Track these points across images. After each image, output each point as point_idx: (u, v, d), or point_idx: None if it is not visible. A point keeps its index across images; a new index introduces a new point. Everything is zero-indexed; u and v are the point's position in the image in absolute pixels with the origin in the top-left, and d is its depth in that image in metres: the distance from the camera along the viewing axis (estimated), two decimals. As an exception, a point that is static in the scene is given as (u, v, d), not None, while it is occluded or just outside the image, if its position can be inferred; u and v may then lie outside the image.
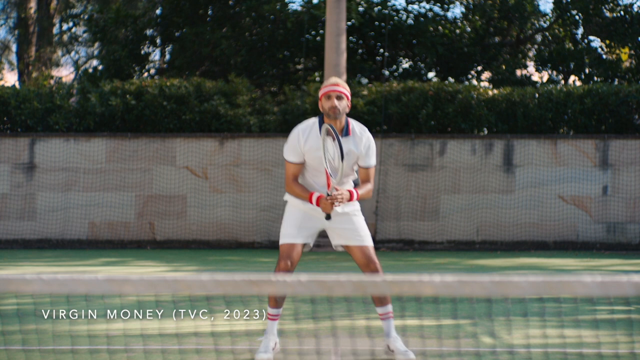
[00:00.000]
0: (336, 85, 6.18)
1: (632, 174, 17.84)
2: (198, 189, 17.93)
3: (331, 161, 6.09)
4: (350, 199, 6.10)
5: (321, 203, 6.07)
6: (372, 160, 6.26)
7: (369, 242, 6.22)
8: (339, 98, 6.15)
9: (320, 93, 6.21)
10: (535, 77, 22.04)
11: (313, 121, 6.25)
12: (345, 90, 6.20)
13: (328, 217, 6.14)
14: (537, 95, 18.27)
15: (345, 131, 6.20)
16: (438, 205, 17.94)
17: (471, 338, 6.73)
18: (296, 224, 6.20)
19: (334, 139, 6.03)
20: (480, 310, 8.21)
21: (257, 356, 5.99)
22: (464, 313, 8.12)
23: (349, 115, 17.66)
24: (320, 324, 7.52)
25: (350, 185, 6.32)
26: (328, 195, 6.07)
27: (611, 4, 21.08)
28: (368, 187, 6.24)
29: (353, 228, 6.20)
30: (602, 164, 17.83)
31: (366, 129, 6.31)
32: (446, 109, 18.20)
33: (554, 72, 21.50)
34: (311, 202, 6.12)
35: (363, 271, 6.21)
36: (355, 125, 6.28)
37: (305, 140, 6.16)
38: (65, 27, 30.03)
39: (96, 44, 25.49)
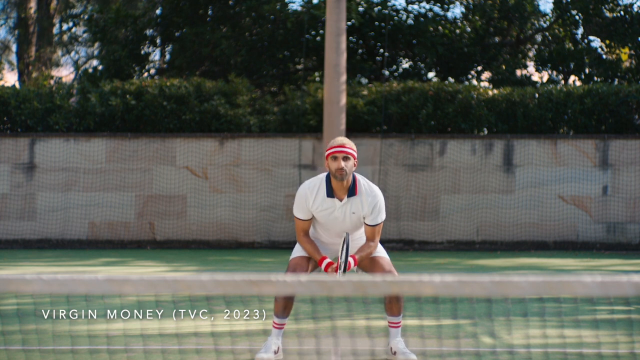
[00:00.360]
0: (342, 146, 6.10)
1: (632, 174, 17.84)
2: (198, 189, 17.93)
3: (342, 262, 6.02)
4: (348, 268, 6.02)
5: (329, 271, 6.06)
6: (378, 219, 6.18)
7: (385, 254, 6.24)
8: (346, 159, 6.07)
9: (326, 153, 6.15)
10: (535, 77, 22.03)
11: (320, 180, 6.20)
12: (352, 150, 6.12)
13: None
14: (537, 95, 18.27)
15: (352, 190, 6.14)
16: (438, 205, 17.94)
17: (471, 338, 6.73)
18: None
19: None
20: (480, 310, 8.21)
21: (257, 356, 5.99)
22: (464, 313, 8.12)
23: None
24: (320, 324, 7.52)
25: (363, 239, 6.29)
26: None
27: (611, 4, 21.07)
28: (369, 249, 6.15)
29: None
30: (602, 164, 17.83)
31: (374, 188, 6.23)
32: (446, 109, 18.20)
33: (554, 72, 21.49)
34: (320, 265, 6.12)
35: None
36: (363, 184, 6.20)
37: (313, 201, 6.15)
38: (65, 27, 30.02)
39: (96, 44, 25.46)
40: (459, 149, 17.96)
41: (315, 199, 6.16)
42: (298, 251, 6.25)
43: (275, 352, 6.07)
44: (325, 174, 6.24)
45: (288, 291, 2.96)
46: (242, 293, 2.95)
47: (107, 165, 17.90)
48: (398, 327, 6.17)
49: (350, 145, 6.14)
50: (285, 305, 6.10)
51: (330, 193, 6.15)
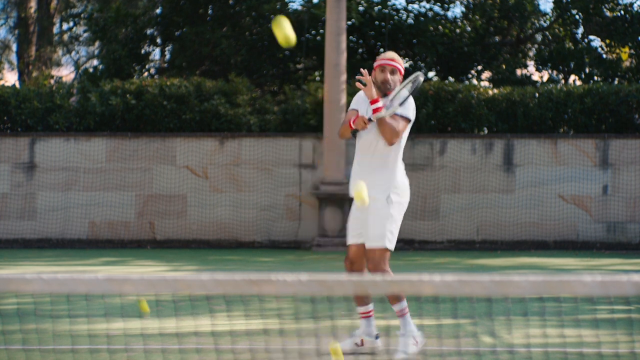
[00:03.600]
0: (392, 60, 6.25)
1: (632, 173, 17.83)
2: (198, 188, 17.93)
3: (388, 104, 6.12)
4: (375, 104, 6.04)
5: (357, 121, 6.09)
6: (404, 112, 6.16)
7: (376, 243, 6.11)
8: (393, 72, 6.23)
9: (375, 64, 6.29)
10: (536, 77, 22.02)
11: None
12: (400, 66, 6.27)
13: (355, 133, 6.15)
14: (537, 94, 18.27)
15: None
16: (438, 204, 17.93)
17: (471, 337, 6.73)
18: (349, 223, 6.35)
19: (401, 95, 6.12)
20: (480, 310, 8.21)
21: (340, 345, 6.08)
22: (464, 312, 8.12)
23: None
24: (320, 323, 7.51)
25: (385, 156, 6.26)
26: (370, 119, 6.08)
27: (611, 4, 21.06)
28: (394, 123, 6.12)
29: (372, 222, 6.12)
30: (602, 164, 17.82)
31: (408, 98, 6.25)
32: (446, 108, 18.19)
33: (554, 72, 21.49)
34: (351, 127, 6.13)
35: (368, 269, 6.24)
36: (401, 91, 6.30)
37: (359, 105, 6.23)
38: (65, 26, 30.02)
39: (96, 44, 25.47)
40: (459, 148, 17.95)
41: (362, 104, 6.24)
42: (347, 235, 6.32)
43: (358, 345, 6.19)
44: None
45: (288, 291, 2.96)
46: (242, 293, 2.95)
47: (107, 164, 17.90)
48: (403, 315, 6.14)
49: (399, 61, 6.27)
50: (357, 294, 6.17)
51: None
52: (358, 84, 6.15)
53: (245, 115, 18.36)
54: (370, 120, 6.08)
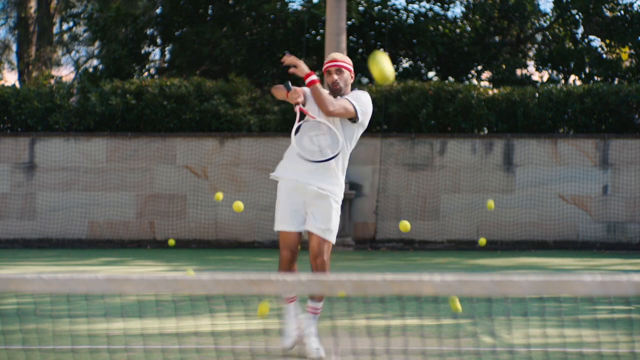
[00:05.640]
0: (334, 60, 6.24)
1: (632, 173, 17.83)
2: (198, 188, 17.93)
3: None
4: (309, 77, 6.11)
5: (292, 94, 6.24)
6: (351, 97, 6.22)
7: (327, 236, 6.21)
8: (339, 72, 6.23)
9: (323, 70, 6.32)
10: (536, 77, 22.03)
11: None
12: (344, 62, 6.25)
13: (287, 86, 6.23)
14: (537, 94, 18.27)
15: None
16: (438, 204, 17.93)
17: (471, 337, 6.73)
18: (285, 207, 6.31)
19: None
20: (480, 310, 8.21)
21: (282, 346, 6.25)
22: (464, 312, 8.11)
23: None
24: (320, 323, 7.51)
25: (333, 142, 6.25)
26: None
27: (611, 4, 21.07)
28: (330, 99, 6.15)
29: (321, 216, 6.18)
30: (602, 164, 17.82)
31: (359, 92, 6.27)
32: (446, 108, 18.19)
33: (554, 72, 21.49)
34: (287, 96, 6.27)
35: (311, 265, 6.25)
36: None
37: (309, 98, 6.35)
38: (65, 26, 30.02)
39: (96, 43, 25.48)
40: (459, 148, 17.95)
41: (310, 102, 6.31)
42: (278, 222, 6.36)
43: (300, 331, 6.22)
44: None
45: (288, 291, 2.96)
46: (242, 293, 2.95)
47: (107, 164, 17.90)
48: (316, 313, 6.25)
49: (342, 58, 6.26)
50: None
51: None
52: (288, 60, 6.21)
53: (245, 115, 18.36)
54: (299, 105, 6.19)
